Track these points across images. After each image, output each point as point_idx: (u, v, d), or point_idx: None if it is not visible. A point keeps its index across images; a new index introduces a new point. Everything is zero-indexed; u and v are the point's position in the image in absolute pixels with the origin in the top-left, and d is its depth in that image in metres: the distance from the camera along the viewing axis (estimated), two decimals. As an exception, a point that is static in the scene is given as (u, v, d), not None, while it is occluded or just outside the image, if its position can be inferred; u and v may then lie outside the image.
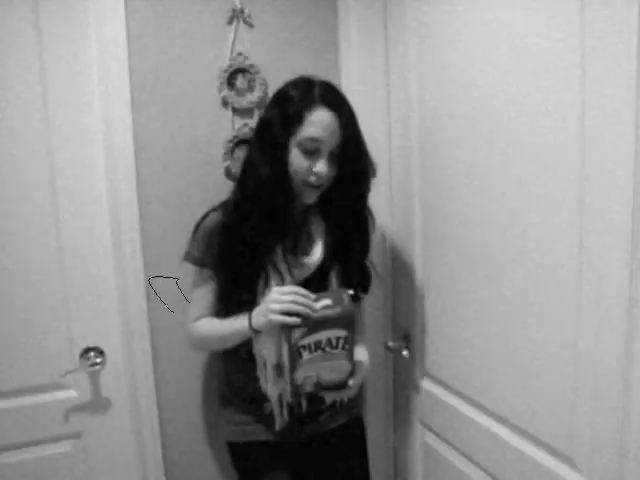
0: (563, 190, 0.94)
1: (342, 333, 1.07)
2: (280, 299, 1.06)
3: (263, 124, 1.18)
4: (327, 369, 1.09)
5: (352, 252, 1.26)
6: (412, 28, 1.38)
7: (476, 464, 1.27)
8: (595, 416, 0.92)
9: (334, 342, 1.07)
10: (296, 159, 1.13)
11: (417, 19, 1.35)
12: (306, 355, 1.07)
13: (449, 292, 1.32)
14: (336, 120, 1.11)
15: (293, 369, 1.08)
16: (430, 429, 1.48)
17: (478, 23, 1.12)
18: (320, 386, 1.11)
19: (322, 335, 1.06)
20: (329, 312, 1.06)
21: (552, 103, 0.95)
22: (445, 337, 1.36)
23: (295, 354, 1.07)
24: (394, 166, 1.54)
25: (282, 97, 1.16)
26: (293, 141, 1.12)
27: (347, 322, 1.07)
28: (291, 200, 1.18)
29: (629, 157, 0.81)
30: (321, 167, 1.13)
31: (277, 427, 1.23)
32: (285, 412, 1.22)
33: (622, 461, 0.88)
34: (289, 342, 1.06)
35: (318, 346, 1.07)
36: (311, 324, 1.05)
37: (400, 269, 1.57)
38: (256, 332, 1.12)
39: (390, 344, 1.56)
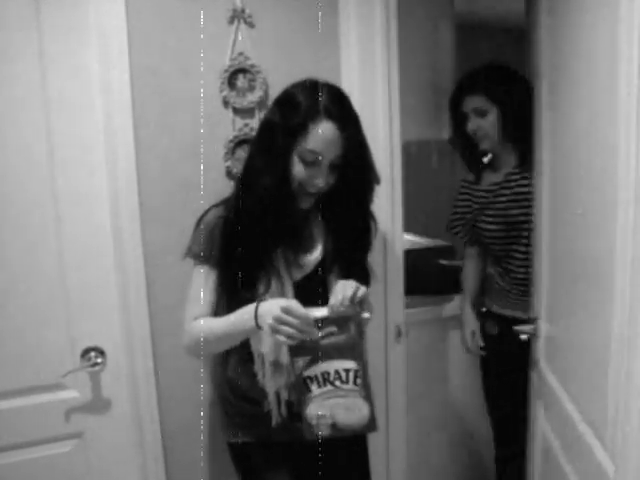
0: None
1: (351, 365, 1.02)
2: (283, 319, 1.01)
3: (266, 127, 1.19)
4: (341, 408, 1.02)
5: (351, 253, 1.26)
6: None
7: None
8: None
9: (344, 376, 1.02)
10: (295, 166, 1.14)
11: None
12: (315, 389, 1.02)
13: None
14: (339, 133, 1.11)
15: (303, 403, 1.03)
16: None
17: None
18: (337, 429, 1.02)
19: (329, 366, 1.02)
20: (333, 339, 1.02)
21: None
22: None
23: (302, 387, 1.02)
24: (395, 167, 1.53)
25: (287, 101, 1.15)
26: (294, 149, 1.13)
27: (353, 351, 1.02)
28: (291, 203, 1.18)
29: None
30: (319, 179, 1.14)
31: (273, 422, 1.22)
32: (283, 408, 1.21)
33: None
34: (294, 373, 1.03)
35: (327, 379, 1.02)
36: (314, 352, 1.01)
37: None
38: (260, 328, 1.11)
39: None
